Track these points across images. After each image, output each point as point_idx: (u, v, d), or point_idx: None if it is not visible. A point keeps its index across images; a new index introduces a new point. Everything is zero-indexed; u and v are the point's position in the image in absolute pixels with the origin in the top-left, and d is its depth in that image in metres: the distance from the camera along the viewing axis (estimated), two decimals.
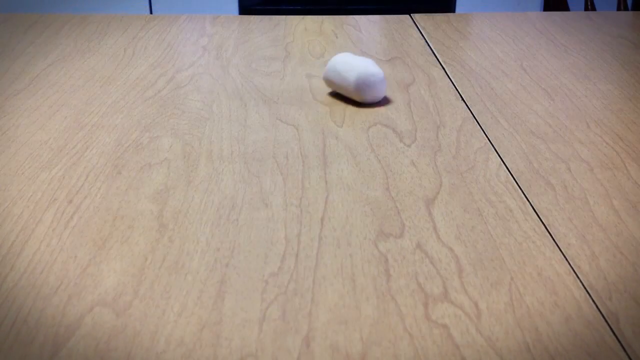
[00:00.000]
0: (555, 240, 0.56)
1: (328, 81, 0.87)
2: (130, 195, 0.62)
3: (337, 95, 0.87)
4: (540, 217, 0.59)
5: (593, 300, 0.48)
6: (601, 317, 0.47)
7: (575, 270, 0.52)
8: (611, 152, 0.71)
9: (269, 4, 2.70)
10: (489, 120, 0.79)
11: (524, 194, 0.63)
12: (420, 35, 1.14)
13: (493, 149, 0.72)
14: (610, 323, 0.46)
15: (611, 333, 0.45)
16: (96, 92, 0.88)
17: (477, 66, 0.98)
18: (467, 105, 0.84)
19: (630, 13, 1.30)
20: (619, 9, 1.95)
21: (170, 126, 0.78)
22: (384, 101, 0.85)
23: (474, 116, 0.80)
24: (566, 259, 0.53)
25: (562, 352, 0.43)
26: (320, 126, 0.77)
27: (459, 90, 0.89)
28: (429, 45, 1.09)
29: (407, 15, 1.27)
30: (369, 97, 0.83)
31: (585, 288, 0.50)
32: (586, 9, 2.00)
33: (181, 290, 0.49)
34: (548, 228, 0.57)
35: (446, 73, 0.95)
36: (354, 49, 1.06)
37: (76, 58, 1.02)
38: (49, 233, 0.57)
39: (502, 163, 0.69)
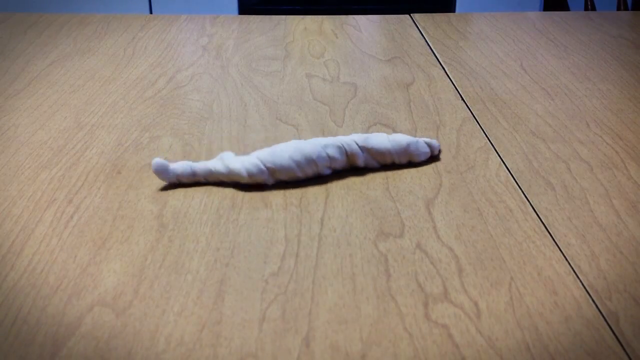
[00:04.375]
0: (555, 240, 0.56)
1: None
2: (130, 195, 0.62)
3: (336, 95, 0.87)
4: (540, 217, 0.59)
5: (593, 300, 0.48)
6: (601, 317, 0.47)
7: (575, 270, 0.52)
8: (611, 152, 0.71)
9: (269, 4, 2.70)
10: (489, 120, 0.79)
11: (524, 194, 0.63)
12: (420, 35, 1.14)
13: (493, 149, 0.72)
14: (610, 323, 0.46)
15: (611, 333, 0.45)
16: (96, 92, 0.88)
17: (477, 66, 0.98)
18: (467, 105, 0.83)
19: (630, 13, 1.30)
20: (619, 9, 1.94)
21: (170, 126, 0.78)
22: (384, 102, 0.85)
23: (474, 116, 0.80)
24: (566, 259, 0.53)
25: (562, 352, 0.43)
26: (320, 126, 0.77)
27: (459, 90, 0.89)
28: (429, 45, 1.09)
29: (407, 15, 1.27)
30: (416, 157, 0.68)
31: (585, 288, 0.50)
32: (586, 9, 2.00)
33: (181, 290, 0.49)
34: (548, 228, 0.57)
35: (446, 73, 0.95)
36: (354, 49, 1.06)
37: (76, 58, 1.02)
38: (49, 233, 0.57)
39: (502, 163, 0.69)
